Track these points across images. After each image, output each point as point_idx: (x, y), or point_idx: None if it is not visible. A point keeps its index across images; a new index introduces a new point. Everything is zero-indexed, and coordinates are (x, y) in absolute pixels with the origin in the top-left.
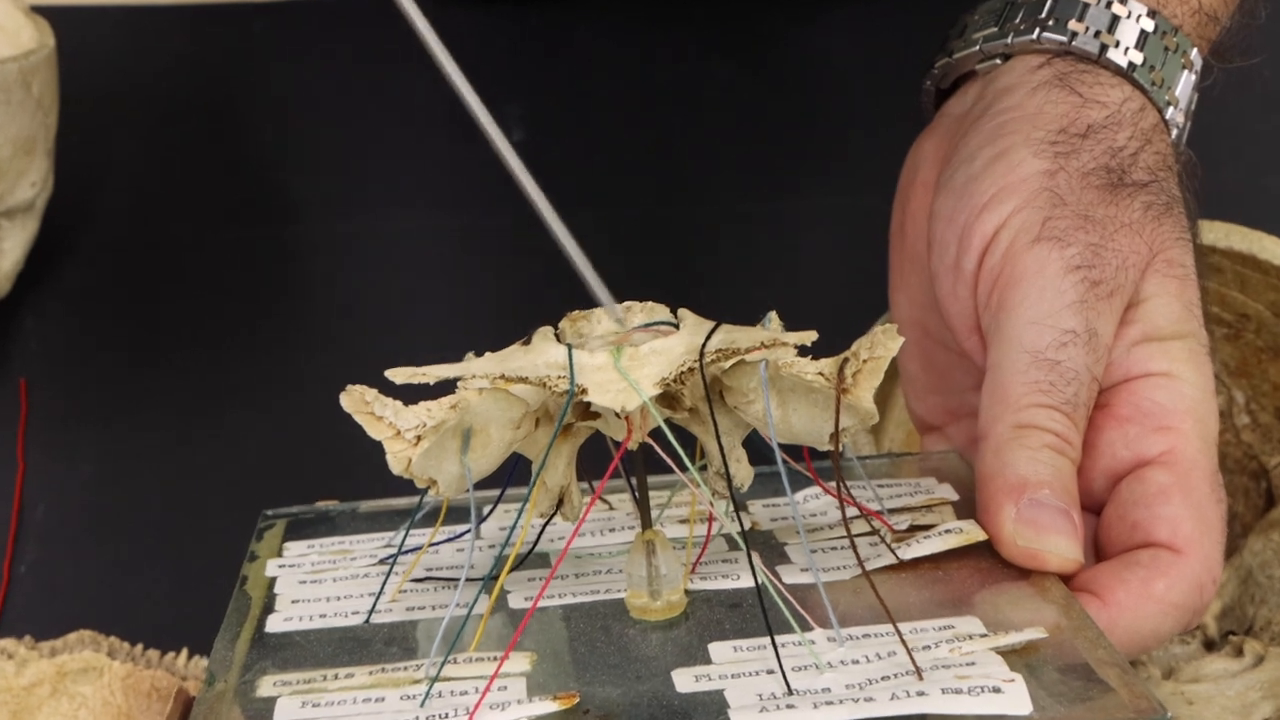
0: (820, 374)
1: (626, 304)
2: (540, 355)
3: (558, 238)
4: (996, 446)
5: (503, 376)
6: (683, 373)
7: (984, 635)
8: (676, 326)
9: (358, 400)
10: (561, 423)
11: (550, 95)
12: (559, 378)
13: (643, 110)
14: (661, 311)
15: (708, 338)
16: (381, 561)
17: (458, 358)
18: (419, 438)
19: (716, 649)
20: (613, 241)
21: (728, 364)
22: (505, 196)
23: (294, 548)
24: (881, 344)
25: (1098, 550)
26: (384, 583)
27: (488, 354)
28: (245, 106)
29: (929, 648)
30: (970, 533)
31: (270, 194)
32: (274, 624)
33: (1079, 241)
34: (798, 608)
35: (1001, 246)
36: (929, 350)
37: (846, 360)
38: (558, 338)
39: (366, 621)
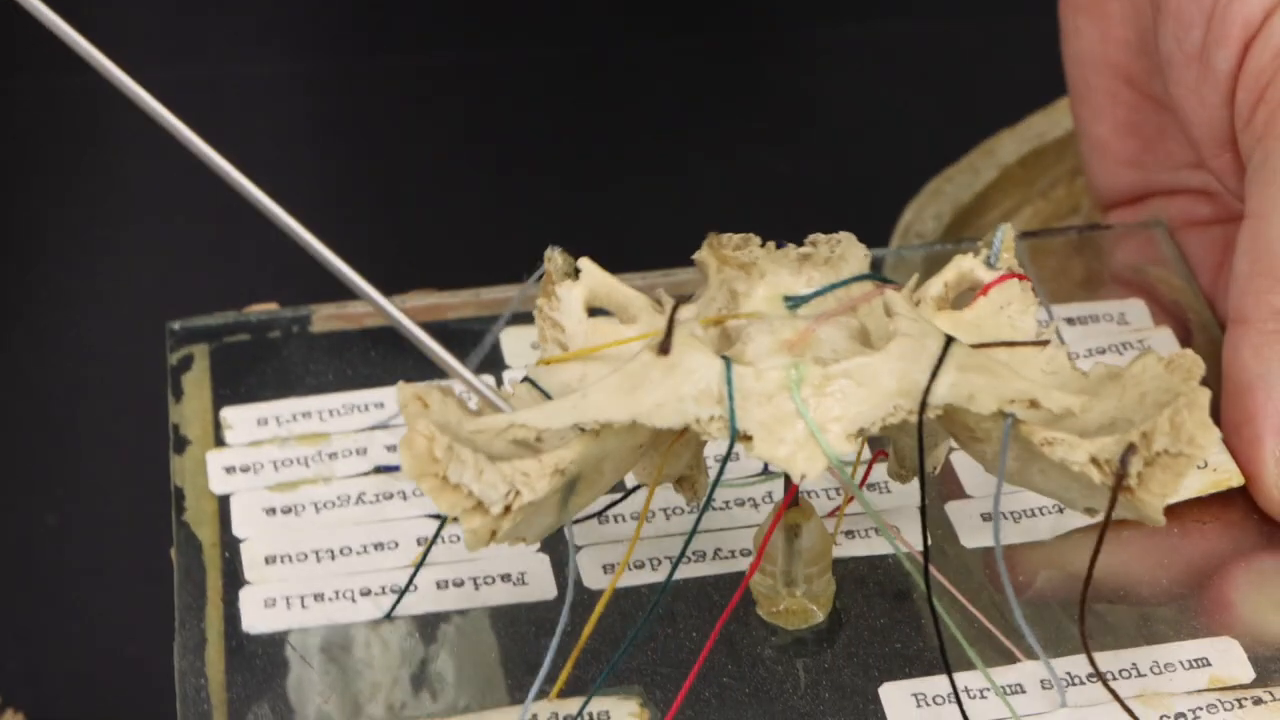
0: (1093, 461)
1: (811, 239)
2: (684, 378)
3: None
4: (1258, 342)
5: (634, 423)
6: (888, 424)
7: (1251, 688)
8: (885, 280)
9: (423, 457)
10: (709, 501)
11: None
12: (711, 420)
13: None
14: (854, 258)
15: (932, 378)
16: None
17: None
18: (507, 508)
19: (890, 695)
20: (602, 86)
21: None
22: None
23: (237, 422)
24: (1190, 435)
25: None
26: (415, 571)
27: (596, 363)
28: None
29: (1184, 718)
30: (1222, 473)
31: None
32: (251, 613)
33: None
34: (997, 634)
35: (1275, 41)
36: (1129, 107)
37: (1132, 448)
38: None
39: (388, 617)
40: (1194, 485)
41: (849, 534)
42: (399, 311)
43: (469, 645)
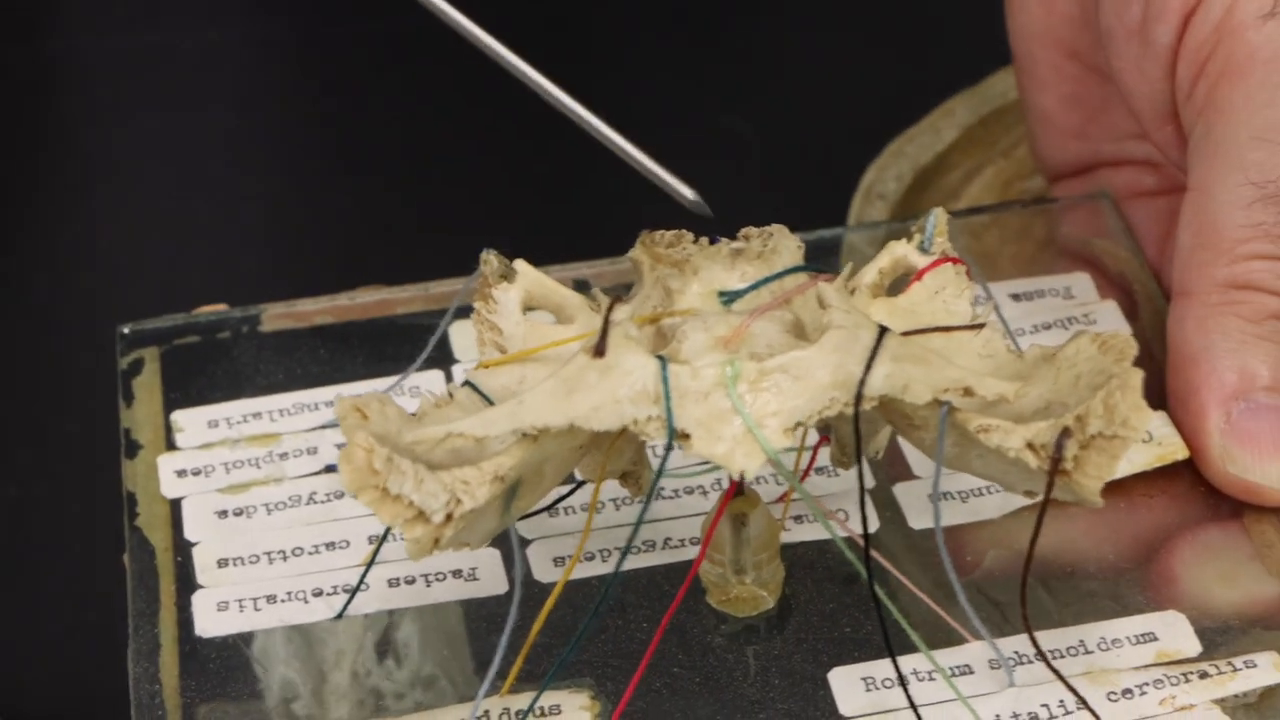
0: (1029, 446)
1: (744, 233)
2: (620, 380)
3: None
4: (1202, 315)
5: (572, 427)
6: (825, 417)
7: (1198, 661)
8: (818, 270)
9: (362, 470)
10: (652, 497)
11: None
12: (649, 420)
13: None
14: (786, 250)
15: (867, 370)
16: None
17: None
18: (449, 516)
19: (840, 679)
20: (560, 51)
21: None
22: None
23: (188, 425)
24: (1124, 417)
25: None
26: (365, 571)
27: (535, 365)
28: None
29: (1131, 694)
30: (1167, 447)
31: None
32: (205, 616)
33: None
34: (944, 616)
35: (1213, 15)
36: (1073, 79)
37: (1067, 432)
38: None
39: (340, 617)
40: (1140, 460)
41: (797, 519)
42: None
43: (422, 642)
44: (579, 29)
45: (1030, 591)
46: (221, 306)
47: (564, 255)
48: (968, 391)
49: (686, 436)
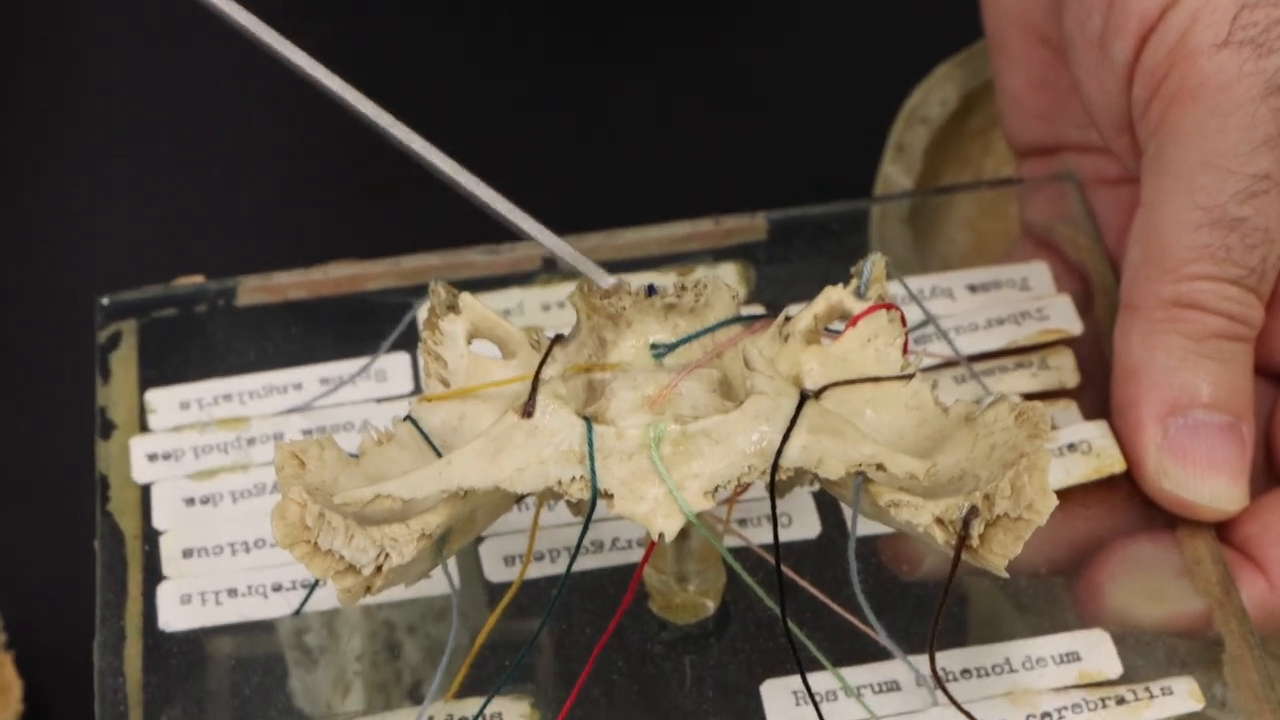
0: (937, 521)
1: (679, 283)
2: (546, 441)
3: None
4: (1146, 330)
5: (498, 488)
6: (743, 482)
7: (1117, 685)
8: (752, 318)
9: (294, 526)
10: (577, 554)
11: None
12: (573, 480)
13: None
14: (720, 302)
15: (784, 440)
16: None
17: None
18: (379, 568)
19: (771, 692)
20: None
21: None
22: None
23: (160, 406)
24: (1030, 500)
25: (1273, 448)
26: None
27: (475, 402)
28: None
29: (1050, 718)
30: (1106, 459)
31: None
32: (168, 610)
33: None
34: (871, 634)
35: (1169, 38)
36: (1044, 64)
37: (974, 511)
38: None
39: (298, 614)
40: (1079, 471)
41: (741, 522)
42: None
43: (372, 642)
44: None
45: (958, 605)
46: (199, 278)
47: (618, 176)
48: (880, 467)
49: (609, 496)
